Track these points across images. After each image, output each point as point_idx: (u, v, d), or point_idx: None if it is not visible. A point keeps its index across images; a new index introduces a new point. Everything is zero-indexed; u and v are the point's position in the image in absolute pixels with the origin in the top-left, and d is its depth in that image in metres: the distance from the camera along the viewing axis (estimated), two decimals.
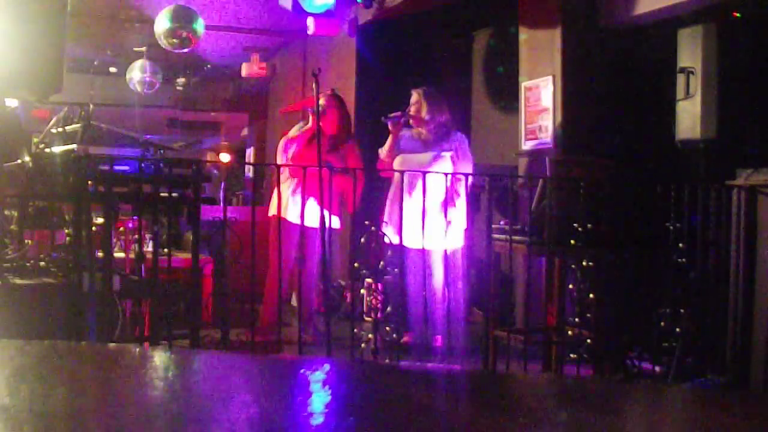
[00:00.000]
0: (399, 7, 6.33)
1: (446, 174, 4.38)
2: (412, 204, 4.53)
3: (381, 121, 5.08)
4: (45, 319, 3.28)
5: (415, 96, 5.08)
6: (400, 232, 4.22)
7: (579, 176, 4.02)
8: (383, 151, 5.10)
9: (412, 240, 4.60)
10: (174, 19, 6.84)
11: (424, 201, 4.04)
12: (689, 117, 4.34)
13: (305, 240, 5.00)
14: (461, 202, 4.81)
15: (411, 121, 5.06)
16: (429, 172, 4.24)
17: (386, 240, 4.43)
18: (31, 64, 3.46)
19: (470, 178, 4.57)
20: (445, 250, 4.57)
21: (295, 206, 5.05)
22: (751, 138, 4.34)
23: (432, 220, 4.39)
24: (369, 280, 5.70)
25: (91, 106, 3.84)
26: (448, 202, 4.59)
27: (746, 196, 3.87)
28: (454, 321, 4.42)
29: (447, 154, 4.95)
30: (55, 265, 3.68)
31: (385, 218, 4.88)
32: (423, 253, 4.63)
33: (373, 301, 5.68)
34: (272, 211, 5.33)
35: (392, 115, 5.05)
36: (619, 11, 4.96)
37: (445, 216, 4.45)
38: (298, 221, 4.58)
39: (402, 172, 4.59)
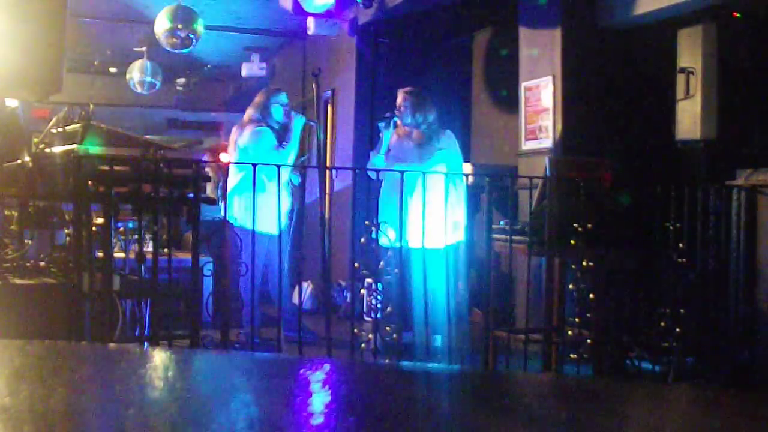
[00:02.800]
0: (399, 7, 6.33)
1: (445, 174, 4.39)
2: (411, 204, 4.53)
3: (379, 127, 5.10)
4: (45, 319, 3.28)
5: (401, 96, 5.10)
6: (398, 233, 4.22)
7: (579, 176, 4.02)
8: (373, 153, 5.12)
9: (412, 240, 4.60)
10: (174, 19, 6.84)
11: (419, 200, 4.04)
12: (689, 117, 4.34)
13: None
14: (459, 199, 4.83)
15: (399, 122, 5.07)
16: (426, 171, 4.24)
17: (384, 241, 4.42)
18: (31, 64, 3.46)
19: (470, 177, 4.58)
20: (445, 249, 4.56)
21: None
22: (751, 138, 4.34)
23: (432, 219, 4.39)
24: (369, 280, 5.70)
25: (91, 106, 3.83)
26: (447, 200, 4.59)
27: (746, 196, 3.87)
28: (452, 319, 4.42)
29: (441, 153, 4.97)
30: (55, 265, 3.68)
31: (382, 218, 4.88)
32: (423, 253, 4.63)
33: (373, 301, 5.68)
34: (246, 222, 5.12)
35: (386, 116, 5.07)
36: (619, 11, 4.96)
37: (446, 214, 4.44)
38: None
39: (400, 173, 4.59)
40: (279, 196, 4.06)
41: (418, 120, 5.07)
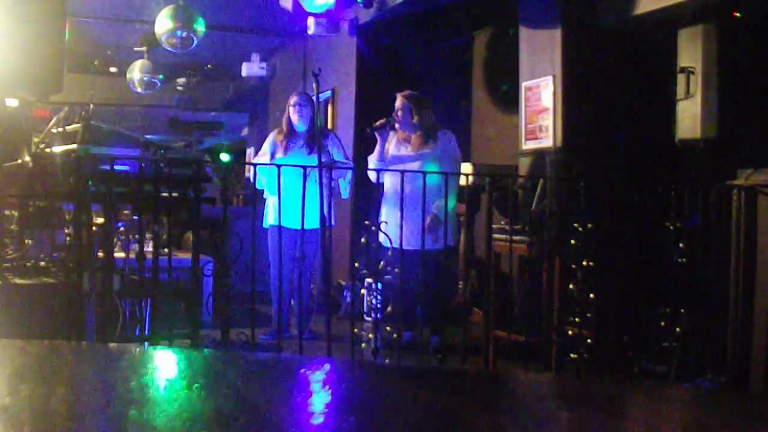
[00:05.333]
0: (399, 7, 6.33)
1: (442, 174, 4.38)
2: (405, 207, 4.53)
3: (370, 133, 5.09)
4: (45, 319, 3.28)
5: (399, 101, 5.08)
6: (397, 235, 4.22)
7: (579, 176, 4.02)
8: (372, 159, 5.12)
9: (408, 242, 4.60)
10: (174, 19, 6.84)
11: (422, 202, 4.04)
12: (689, 117, 4.34)
13: (304, 241, 5.02)
14: (452, 201, 4.84)
15: (397, 126, 5.06)
16: (419, 171, 4.24)
17: (384, 242, 4.42)
18: (31, 64, 3.46)
19: (470, 177, 4.58)
20: (441, 250, 4.57)
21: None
22: (751, 138, 4.34)
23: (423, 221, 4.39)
24: (369, 280, 5.71)
25: (91, 106, 3.83)
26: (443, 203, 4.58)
27: (746, 196, 3.86)
28: (453, 320, 4.42)
29: (434, 156, 4.95)
30: (55, 265, 3.68)
31: (383, 219, 4.87)
32: (419, 254, 4.63)
33: (373, 301, 5.69)
34: (270, 221, 5.32)
35: (377, 124, 5.05)
36: (619, 11, 4.96)
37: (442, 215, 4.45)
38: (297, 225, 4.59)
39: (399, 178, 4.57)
40: (279, 195, 4.04)
41: (416, 125, 5.05)
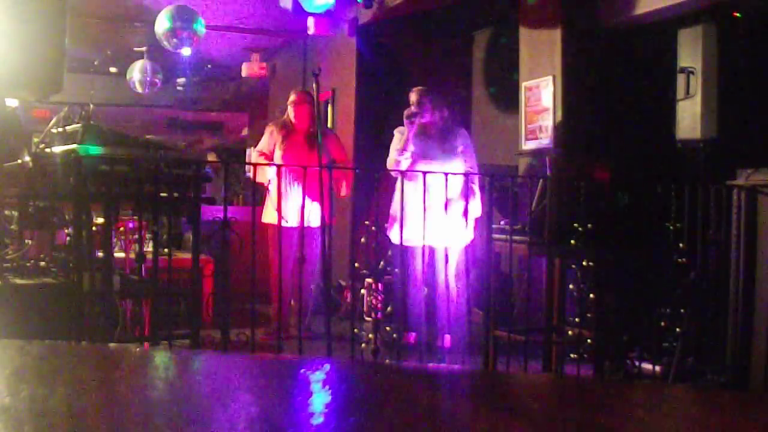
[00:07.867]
0: (399, 7, 6.33)
1: (458, 173, 4.40)
2: (430, 203, 4.52)
3: (408, 121, 5.03)
4: (45, 319, 3.28)
5: (414, 95, 5.05)
6: (405, 231, 4.22)
7: (579, 176, 4.02)
8: (396, 156, 5.05)
9: (424, 238, 4.59)
10: (174, 19, 6.83)
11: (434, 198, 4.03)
12: (689, 117, 4.34)
13: (305, 240, 5.03)
14: (476, 197, 4.86)
15: (416, 120, 5.00)
16: (438, 173, 4.24)
17: (391, 239, 4.42)
18: (31, 64, 3.46)
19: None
20: (453, 247, 4.57)
21: (293, 208, 5.10)
22: (751, 138, 4.34)
23: (450, 218, 4.39)
24: (369, 280, 5.71)
25: (91, 106, 3.83)
26: (467, 198, 4.59)
27: (746, 196, 3.86)
28: (458, 318, 4.43)
29: (459, 152, 4.99)
30: (55, 265, 3.68)
31: (394, 215, 4.85)
32: (432, 251, 4.63)
33: (373, 301, 5.68)
34: (270, 218, 5.35)
35: (412, 113, 4.98)
36: (619, 11, 4.96)
37: (465, 212, 4.45)
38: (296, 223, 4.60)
39: (415, 173, 4.57)
40: (279, 195, 4.05)
41: (436, 117, 5.06)
